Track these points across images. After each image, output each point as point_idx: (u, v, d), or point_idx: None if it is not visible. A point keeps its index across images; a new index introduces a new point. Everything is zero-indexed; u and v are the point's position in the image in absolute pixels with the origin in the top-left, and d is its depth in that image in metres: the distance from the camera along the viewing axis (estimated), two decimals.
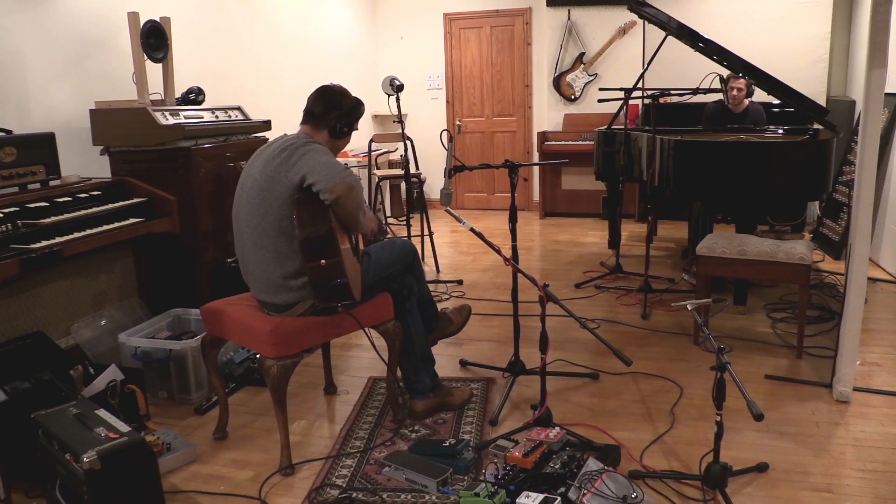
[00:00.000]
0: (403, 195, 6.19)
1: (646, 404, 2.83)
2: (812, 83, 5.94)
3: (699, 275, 3.44)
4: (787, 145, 3.91)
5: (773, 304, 3.98)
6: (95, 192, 3.12)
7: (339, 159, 2.49)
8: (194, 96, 3.72)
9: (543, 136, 6.76)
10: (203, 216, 3.42)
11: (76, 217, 2.87)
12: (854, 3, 5.92)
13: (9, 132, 2.90)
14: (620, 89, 4.29)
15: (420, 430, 2.69)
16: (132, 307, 3.35)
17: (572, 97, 6.86)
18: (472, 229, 2.67)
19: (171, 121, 3.35)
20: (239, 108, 3.96)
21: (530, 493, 2.04)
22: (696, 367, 3.17)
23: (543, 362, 2.58)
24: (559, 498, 2.03)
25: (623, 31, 6.53)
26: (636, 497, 2.05)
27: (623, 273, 4.63)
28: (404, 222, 4.95)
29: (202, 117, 3.58)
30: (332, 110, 2.53)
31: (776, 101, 5.39)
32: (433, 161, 6.98)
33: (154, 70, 3.55)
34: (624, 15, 6.27)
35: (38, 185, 2.95)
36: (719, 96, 4.84)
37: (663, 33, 4.26)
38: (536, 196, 7.12)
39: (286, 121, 3.85)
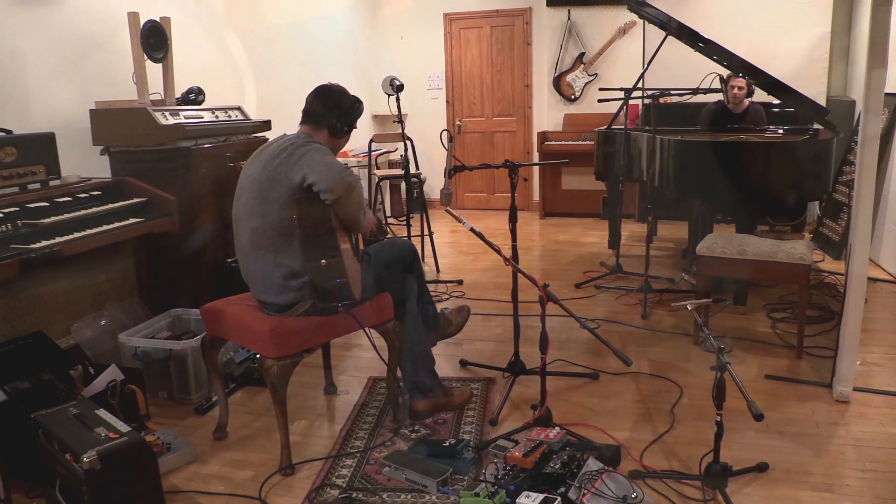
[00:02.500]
0: (403, 195, 6.19)
1: (646, 404, 2.83)
2: (812, 83, 5.94)
3: (699, 275, 3.45)
4: (787, 145, 3.91)
5: (773, 304, 3.98)
6: (95, 192, 3.11)
7: (339, 159, 2.49)
8: (194, 96, 3.72)
9: (543, 136, 6.76)
10: (203, 216, 3.42)
11: (76, 217, 2.87)
12: (854, 3, 5.92)
13: (9, 132, 2.90)
14: (620, 89, 4.29)
15: (420, 430, 2.69)
16: (132, 307, 3.35)
17: (572, 97, 6.86)
18: (472, 229, 2.67)
19: (171, 121, 3.35)
20: (239, 108, 3.96)
21: (530, 493, 2.04)
22: (696, 367, 3.17)
23: (543, 362, 2.58)
24: (559, 498, 2.03)
25: (623, 31, 6.53)
26: (636, 497, 2.05)
27: (623, 273, 4.63)
28: (404, 222, 4.95)
29: (202, 117, 3.58)
30: (332, 110, 2.53)
31: (776, 101, 5.39)
32: (433, 161, 6.98)
33: (154, 70, 3.55)
34: (624, 15, 6.27)
35: (38, 185, 2.95)
36: (719, 96, 4.84)
37: (663, 33, 4.26)
38: (536, 196, 7.12)
39: (286, 121, 3.85)
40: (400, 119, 4.68)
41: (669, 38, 4.26)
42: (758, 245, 3.33)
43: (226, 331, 2.58)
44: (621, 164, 4.60)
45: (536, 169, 6.99)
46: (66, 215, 2.84)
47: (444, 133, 3.11)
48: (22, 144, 2.87)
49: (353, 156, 6.26)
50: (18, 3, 3.19)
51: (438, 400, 2.81)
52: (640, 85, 4.33)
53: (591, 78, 6.76)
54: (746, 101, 4.78)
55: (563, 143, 6.70)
